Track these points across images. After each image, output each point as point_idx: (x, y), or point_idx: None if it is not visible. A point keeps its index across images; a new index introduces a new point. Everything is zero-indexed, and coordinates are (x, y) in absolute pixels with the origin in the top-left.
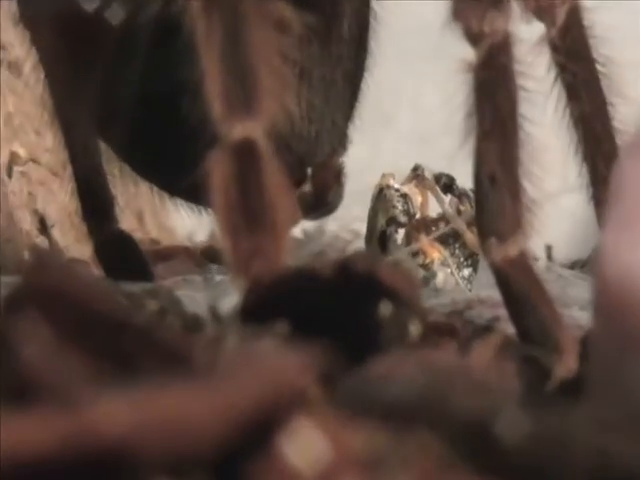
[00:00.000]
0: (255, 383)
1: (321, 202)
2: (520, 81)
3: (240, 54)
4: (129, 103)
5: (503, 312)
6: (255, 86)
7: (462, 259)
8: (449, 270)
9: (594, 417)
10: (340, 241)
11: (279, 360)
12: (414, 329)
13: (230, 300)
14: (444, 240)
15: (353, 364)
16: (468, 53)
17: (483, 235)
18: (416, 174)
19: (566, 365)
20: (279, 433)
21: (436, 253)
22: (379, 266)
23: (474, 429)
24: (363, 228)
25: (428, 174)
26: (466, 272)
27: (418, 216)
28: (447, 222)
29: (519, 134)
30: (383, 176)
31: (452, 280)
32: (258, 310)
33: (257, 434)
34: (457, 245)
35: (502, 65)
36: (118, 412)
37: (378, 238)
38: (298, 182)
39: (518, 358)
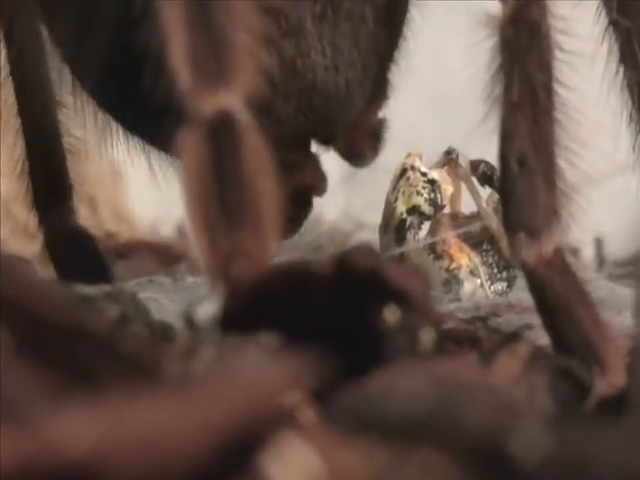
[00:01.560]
0: (235, 398)
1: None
2: (557, 40)
3: (209, 8)
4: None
5: (536, 319)
6: (229, 47)
7: (496, 270)
8: (479, 281)
9: (631, 438)
10: (340, 233)
11: (263, 372)
12: (426, 338)
13: (207, 306)
14: (476, 244)
15: (353, 377)
16: (494, 5)
17: (510, 229)
18: (449, 159)
19: (610, 380)
20: (262, 453)
21: (465, 259)
22: (384, 262)
23: (487, 448)
24: (369, 217)
25: (463, 160)
26: (499, 287)
27: (447, 210)
28: (482, 223)
29: (555, 105)
30: (408, 155)
31: (481, 293)
32: (241, 317)
33: (238, 454)
34: (492, 252)
35: (534, 21)
36: (80, 429)
37: (395, 228)
38: (326, 143)
39: (551, 372)
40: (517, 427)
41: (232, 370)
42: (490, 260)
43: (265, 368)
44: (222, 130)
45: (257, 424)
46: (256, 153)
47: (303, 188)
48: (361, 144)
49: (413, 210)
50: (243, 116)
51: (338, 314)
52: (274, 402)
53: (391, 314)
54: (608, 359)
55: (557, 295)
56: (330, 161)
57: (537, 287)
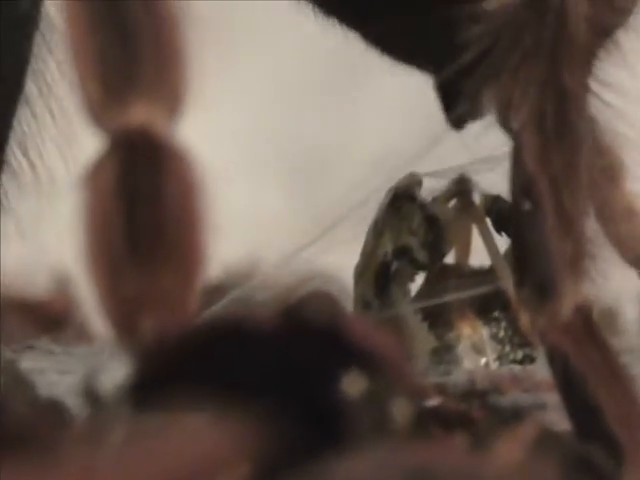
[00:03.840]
0: None
1: None
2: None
3: (121, 6)
4: None
5: (552, 397)
6: (145, 51)
7: (508, 348)
8: (483, 360)
9: None
10: (288, 281)
11: (188, 457)
12: (399, 414)
13: (111, 374)
14: (485, 311)
15: (302, 463)
16: None
17: (519, 284)
18: (459, 189)
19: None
20: None
21: (467, 328)
22: (348, 317)
23: None
24: (331, 262)
25: (478, 195)
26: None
27: (450, 260)
28: (496, 283)
29: (580, 122)
30: (406, 177)
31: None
32: (157, 385)
33: None
34: (505, 323)
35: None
36: None
37: (375, 273)
38: None
39: (565, 463)
40: None
41: (147, 456)
42: (501, 334)
43: (190, 451)
44: (135, 151)
45: None
46: (180, 176)
47: None
48: None
49: (402, 253)
50: (164, 134)
51: (285, 382)
52: None
53: (353, 383)
54: (636, 450)
55: (578, 370)
56: (273, 191)
57: (552, 359)
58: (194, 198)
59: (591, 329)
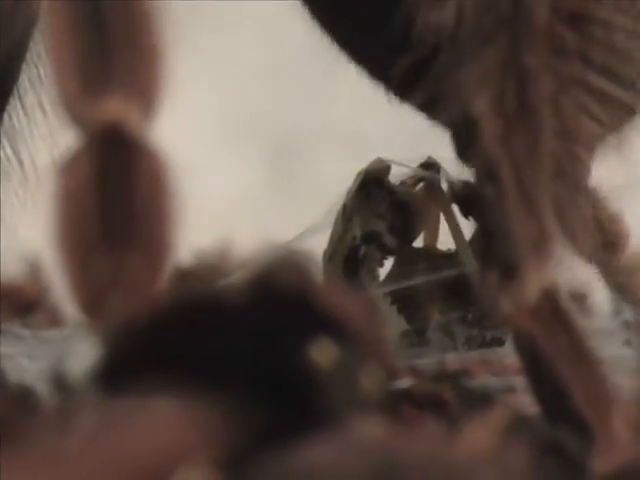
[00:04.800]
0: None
1: None
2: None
3: (100, 8)
4: None
5: (521, 380)
6: (122, 49)
7: (476, 331)
8: (452, 343)
9: None
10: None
11: (157, 442)
12: (369, 383)
13: (80, 358)
14: (453, 293)
15: (276, 439)
16: None
17: (484, 268)
18: (426, 174)
19: (610, 458)
20: None
21: (435, 311)
22: (318, 285)
23: None
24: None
25: (444, 179)
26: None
27: (418, 244)
28: (462, 265)
29: (541, 97)
30: (375, 162)
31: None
32: (126, 366)
33: None
34: (473, 306)
35: None
36: None
37: (344, 258)
38: None
39: (535, 446)
40: None
41: (115, 442)
42: (470, 316)
43: (158, 437)
44: (109, 145)
45: None
46: (151, 171)
47: None
48: None
49: (371, 237)
50: (138, 130)
51: (256, 351)
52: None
53: (323, 352)
54: (607, 431)
55: (546, 354)
56: (249, 174)
57: (518, 342)
58: (164, 191)
59: (558, 311)
